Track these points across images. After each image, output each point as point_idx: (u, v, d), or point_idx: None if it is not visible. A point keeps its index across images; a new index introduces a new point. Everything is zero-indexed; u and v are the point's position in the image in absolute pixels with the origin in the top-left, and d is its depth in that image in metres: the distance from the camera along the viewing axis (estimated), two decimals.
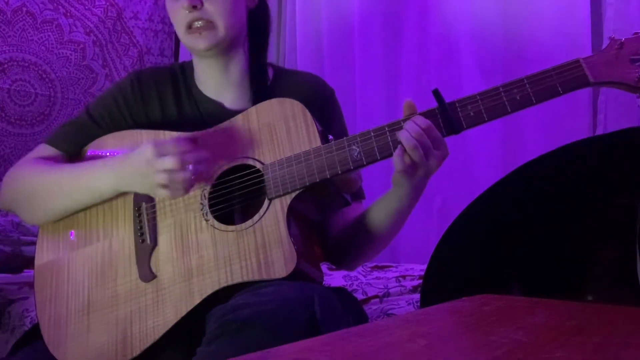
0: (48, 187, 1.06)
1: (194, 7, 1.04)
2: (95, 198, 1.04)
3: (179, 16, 1.06)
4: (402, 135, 0.92)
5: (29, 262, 1.10)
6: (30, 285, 1.08)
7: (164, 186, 0.95)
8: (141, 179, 0.97)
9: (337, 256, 1.16)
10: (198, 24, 1.05)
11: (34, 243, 1.10)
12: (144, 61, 2.98)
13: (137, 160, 0.97)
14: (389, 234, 1.08)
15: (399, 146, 0.92)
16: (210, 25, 1.05)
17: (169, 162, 0.94)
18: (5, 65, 2.54)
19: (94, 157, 1.10)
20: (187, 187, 0.96)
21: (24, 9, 2.59)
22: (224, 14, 1.05)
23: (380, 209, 1.06)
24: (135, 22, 2.94)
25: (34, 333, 1.05)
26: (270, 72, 1.19)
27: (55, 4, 2.68)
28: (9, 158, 2.50)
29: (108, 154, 1.10)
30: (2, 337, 1.67)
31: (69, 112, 2.70)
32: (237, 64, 1.13)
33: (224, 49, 1.10)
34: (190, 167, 0.95)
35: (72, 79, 2.74)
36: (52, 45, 2.67)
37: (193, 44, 1.08)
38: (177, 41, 3.10)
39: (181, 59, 3.01)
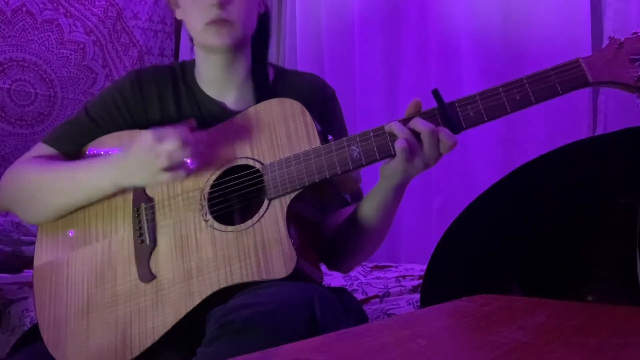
0: (46, 185, 1.05)
1: (221, 5, 1.04)
2: (94, 195, 1.04)
3: (201, 11, 1.06)
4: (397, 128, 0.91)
5: (29, 262, 1.11)
6: (30, 285, 1.08)
7: (166, 169, 0.95)
8: (143, 167, 0.97)
9: (331, 258, 1.15)
10: (220, 20, 1.05)
11: (33, 243, 1.10)
12: (144, 61, 2.98)
13: (137, 149, 0.97)
14: (380, 229, 1.06)
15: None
16: (229, 24, 1.06)
17: (170, 143, 0.94)
18: (5, 65, 2.54)
19: (93, 157, 1.10)
20: (189, 168, 0.97)
21: (24, 9, 2.59)
22: (244, 15, 1.07)
23: (369, 204, 1.04)
24: (135, 22, 2.94)
25: (33, 333, 1.04)
26: (271, 72, 1.18)
27: (55, 4, 2.68)
28: (9, 158, 2.50)
29: (108, 152, 1.09)
30: (2, 337, 1.67)
31: (69, 112, 2.70)
32: (241, 65, 1.14)
33: (236, 49, 1.11)
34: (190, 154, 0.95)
35: (72, 79, 2.74)
36: (52, 45, 2.67)
37: (211, 39, 1.07)
38: (177, 41, 3.10)
39: (181, 59, 3.01)
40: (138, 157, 0.97)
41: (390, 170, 0.95)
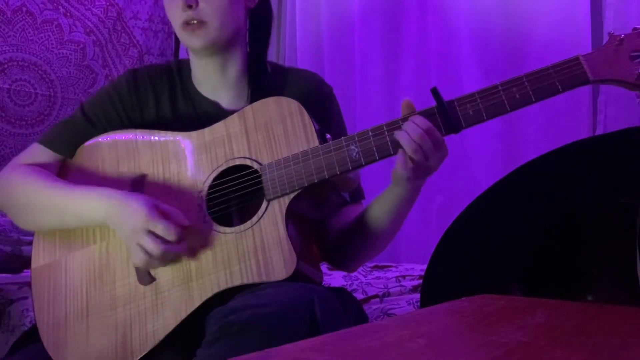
0: (39, 203, 1.05)
1: (189, 7, 1.04)
2: (83, 224, 1.03)
3: (175, 14, 1.07)
4: (403, 138, 0.91)
5: (29, 262, 1.11)
6: (30, 285, 1.07)
7: (137, 256, 0.94)
8: (127, 232, 0.95)
9: (337, 257, 1.15)
10: (192, 22, 1.05)
11: None
12: (144, 61, 2.97)
13: (130, 215, 0.95)
14: (389, 232, 1.07)
15: (401, 150, 0.91)
16: (203, 25, 1.05)
17: (151, 247, 0.92)
18: (5, 65, 2.54)
19: (88, 164, 1.09)
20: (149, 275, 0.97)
21: (24, 9, 2.59)
22: (219, 14, 1.05)
23: (379, 207, 1.04)
24: (135, 22, 2.93)
25: (33, 333, 1.04)
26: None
27: (55, 4, 2.68)
28: (9, 158, 2.49)
29: (101, 162, 1.08)
30: (2, 337, 1.67)
31: (69, 112, 2.67)
32: (235, 63, 1.12)
33: (220, 48, 1.09)
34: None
35: (72, 79, 2.73)
36: (52, 45, 2.67)
37: (188, 41, 1.08)
38: (177, 41, 3.10)
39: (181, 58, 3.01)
40: (126, 222, 0.95)
41: (395, 177, 0.97)
